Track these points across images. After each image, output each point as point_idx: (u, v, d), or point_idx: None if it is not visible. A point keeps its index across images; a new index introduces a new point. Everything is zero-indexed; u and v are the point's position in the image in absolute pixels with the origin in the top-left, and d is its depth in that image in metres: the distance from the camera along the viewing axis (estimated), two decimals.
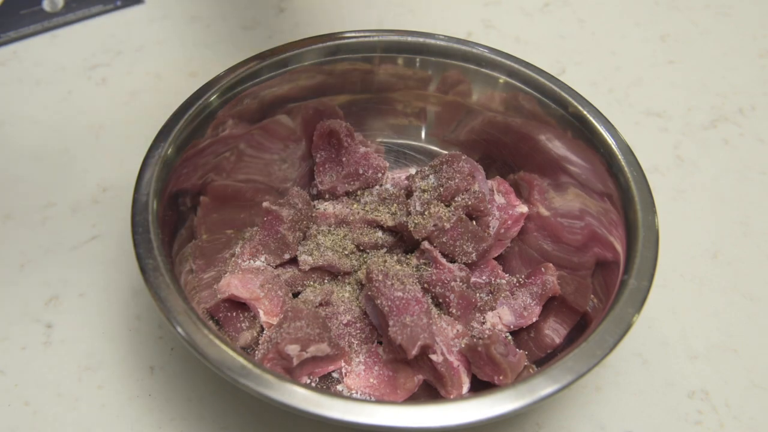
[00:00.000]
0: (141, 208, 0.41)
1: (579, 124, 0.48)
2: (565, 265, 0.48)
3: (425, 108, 0.56)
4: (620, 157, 0.46)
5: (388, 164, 0.53)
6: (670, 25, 0.76)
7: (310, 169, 0.54)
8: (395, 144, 0.57)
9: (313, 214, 0.50)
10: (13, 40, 0.69)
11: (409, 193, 0.49)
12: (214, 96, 0.48)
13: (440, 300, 0.45)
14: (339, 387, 0.44)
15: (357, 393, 0.43)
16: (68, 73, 0.67)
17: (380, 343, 0.44)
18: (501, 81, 0.52)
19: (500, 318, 0.46)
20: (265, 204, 0.48)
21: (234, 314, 0.45)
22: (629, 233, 0.42)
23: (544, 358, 0.44)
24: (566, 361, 0.36)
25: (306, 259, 0.47)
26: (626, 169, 0.45)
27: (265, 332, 0.45)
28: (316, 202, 0.52)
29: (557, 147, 0.50)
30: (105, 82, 0.66)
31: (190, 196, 0.47)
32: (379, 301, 0.42)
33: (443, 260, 0.46)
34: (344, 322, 0.45)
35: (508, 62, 0.52)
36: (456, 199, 0.47)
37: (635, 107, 0.67)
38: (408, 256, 0.48)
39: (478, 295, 0.47)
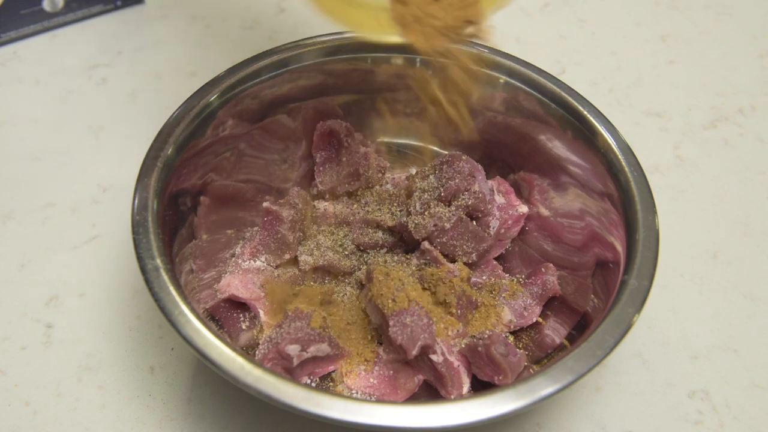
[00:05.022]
0: (141, 208, 0.41)
1: (579, 124, 0.48)
2: (566, 265, 0.48)
3: (425, 108, 0.56)
4: (620, 157, 0.46)
5: (388, 164, 0.53)
6: (670, 25, 0.76)
7: (310, 169, 0.54)
8: (395, 144, 0.57)
9: (313, 214, 0.50)
10: (13, 40, 0.69)
11: (409, 193, 0.49)
12: (214, 96, 0.48)
13: (440, 300, 0.45)
14: (339, 387, 0.44)
15: (357, 393, 0.43)
16: (68, 73, 0.67)
17: (380, 343, 0.44)
18: (501, 81, 0.52)
19: (500, 318, 0.46)
20: (265, 204, 0.48)
21: (234, 314, 0.45)
22: (629, 233, 0.42)
23: (544, 358, 0.44)
24: (566, 361, 0.36)
25: (306, 259, 0.47)
26: (626, 169, 0.45)
27: (265, 332, 0.45)
28: (316, 202, 0.52)
29: (557, 147, 0.50)
30: (105, 82, 0.66)
31: (190, 196, 0.47)
32: (379, 301, 0.42)
33: (443, 260, 0.46)
34: (344, 322, 0.45)
35: (508, 62, 0.52)
36: (456, 199, 0.47)
37: (635, 107, 0.67)
38: (408, 256, 0.48)
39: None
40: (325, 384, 0.44)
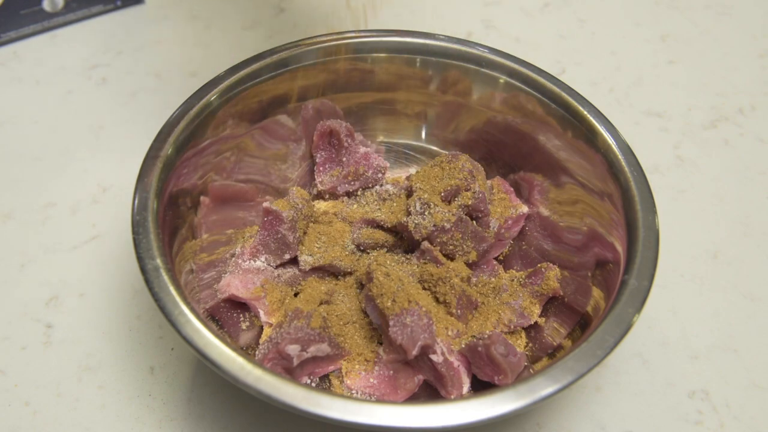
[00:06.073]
0: (141, 208, 0.41)
1: (579, 124, 0.48)
2: (565, 265, 0.48)
3: (425, 108, 0.56)
4: (620, 157, 0.46)
5: (388, 164, 0.53)
6: (670, 25, 0.76)
7: (310, 169, 0.54)
8: (395, 144, 0.57)
9: (314, 214, 0.50)
10: (13, 40, 0.69)
11: (409, 193, 0.49)
12: (214, 96, 0.48)
13: (440, 300, 0.45)
14: (339, 387, 0.44)
15: (357, 393, 0.43)
16: (68, 73, 0.67)
17: (380, 343, 0.44)
18: (501, 81, 0.52)
19: (500, 318, 0.46)
20: (265, 204, 0.48)
21: (234, 314, 0.45)
22: (629, 233, 0.42)
23: (544, 358, 0.44)
24: (566, 361, 0.36)
25: (306, 259, 0.47)
26: (626, 169, 0.45)
27: (265, 332, 0.45)
28: (316, 202, 0.52)
29: (557, 147, 0.50)
30: (105, 82, 0.66)
31: (190, 196, 0.47)
32: (379, 301, 0.42)
33: (444, 260, 0.46)
34: (344, 322, 0.45)
35: (508, 62, 0.52)
36: (456, 199, 0.47)
37: (635, 107, 0.67)
38: (408, 256, 0.48)
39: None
40: (325, 384, 0.44)
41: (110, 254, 0.53)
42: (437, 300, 0.45)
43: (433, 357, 0.40)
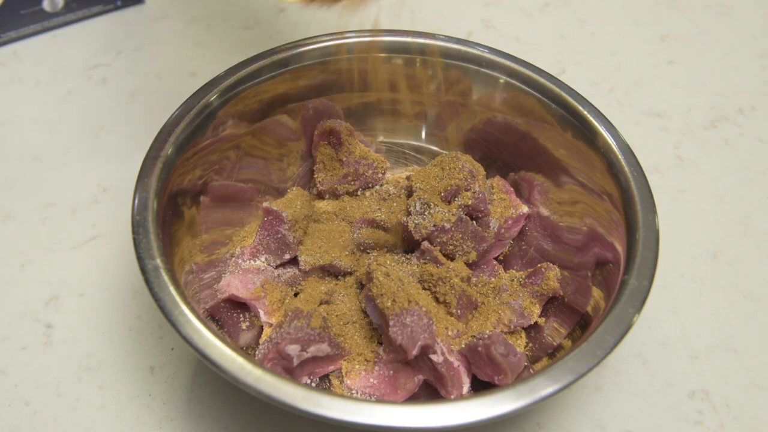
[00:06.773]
0: (141, 208, 0.41)
1: (579, 124, 0.48)
2: (565, 265, 0.48)
3: (425, 108, 0.56)
4: (620, 157, 0.46)
5: (388, 164, 0.53)
6: (670, 25, 0.76)
7: (310, 169, 0.54)
8: (395, 144, 0.57)
9: (313, 214, 0.50)
10: (13, 40, 0.69)
11: (409, 193, 0.49)
12: (214, 96, 0.48)
13: (440, 300, 0.45)
14: (339, 387, 0.44)
15: (357, 393, 0.43)
16: (68, 73, 0.67)
17: (380, 343, 0.44)
18: (501, 81, 0.52)
19: (500, 318, 0.46)
20: (265, 204, 0.48)
21: (234, 314, 0.45)
22: (629, 233, 0.42)
23: (544, 358, 0.44)
24: (566, 361, 0.36)
25: (306, 259, 0.47)
26: (626, 169, 0.45)
27: (265, 332, 0.45)
28: (316, 202, 0.52)
29: (557, 147, 0.50)
30: (105, 82, 0.66)
31: (190, 196, 0.47)
32: (379, 301, 0.42)
33: (444, 260, 0.46)
34: (344, 322, 0.45)
35: (508, 62, 0.52)
36: (456, 199, 0.47)
37: (635, 107, 0.67)
38: (408, 256, 0.48)
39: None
40: (325, 384, 0.44)
41: (110, 254, 0.53)
42: (437, 300, 0.45)
43: (433, 357, 0.40)
